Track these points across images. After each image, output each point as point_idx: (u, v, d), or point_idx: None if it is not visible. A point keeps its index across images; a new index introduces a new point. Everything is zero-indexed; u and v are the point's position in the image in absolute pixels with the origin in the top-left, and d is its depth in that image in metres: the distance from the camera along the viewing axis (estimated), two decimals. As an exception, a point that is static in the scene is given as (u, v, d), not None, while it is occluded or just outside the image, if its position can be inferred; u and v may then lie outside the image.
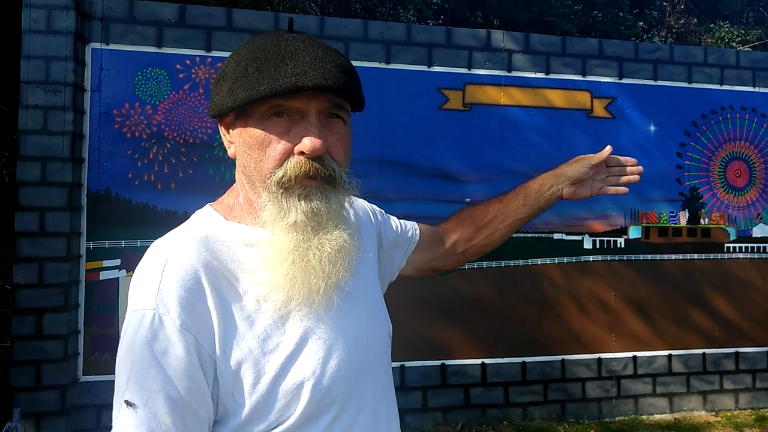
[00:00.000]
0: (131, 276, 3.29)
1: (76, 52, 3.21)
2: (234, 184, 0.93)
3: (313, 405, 0.80)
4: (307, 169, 0.81)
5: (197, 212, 0.92)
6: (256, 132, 0.83)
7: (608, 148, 1.32)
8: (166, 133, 3.39)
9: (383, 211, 1.18)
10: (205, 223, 0.88)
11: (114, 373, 0.79)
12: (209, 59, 3.44)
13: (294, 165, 0.81)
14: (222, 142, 0.93)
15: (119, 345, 0.78)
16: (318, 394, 0.80)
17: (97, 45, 3.32)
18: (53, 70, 3.16)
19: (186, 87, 3.42)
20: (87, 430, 3.21)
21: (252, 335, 0.79)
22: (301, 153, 0.82)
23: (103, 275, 3.29)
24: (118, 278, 3.30)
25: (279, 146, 0.82)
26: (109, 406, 3.23)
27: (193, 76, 3.43)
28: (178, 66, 3.41)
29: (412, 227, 1.20)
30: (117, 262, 3.30)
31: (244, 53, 0.85)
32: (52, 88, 3.16)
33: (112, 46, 3.34)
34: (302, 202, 0.81)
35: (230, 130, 0.89)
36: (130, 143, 3.34)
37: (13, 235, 3.16)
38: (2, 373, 4.02)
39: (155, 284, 0.78)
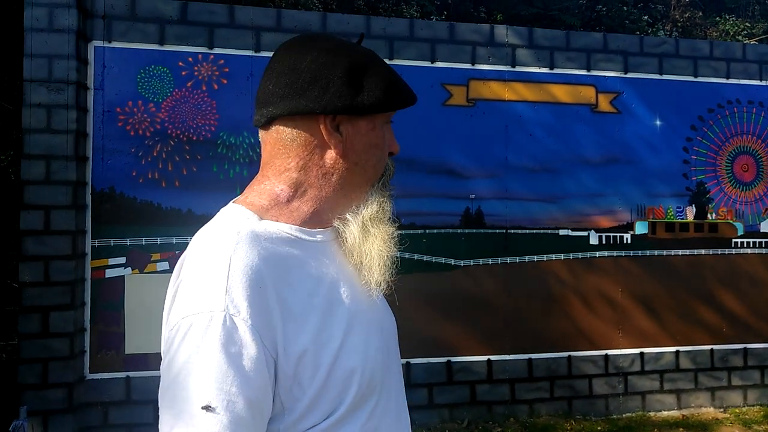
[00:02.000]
0: (137, 274, 3.30)
1: (78, 50, 3.20)
2: (261, 186, 0.90)
3: (360, 393, 0.83)
4: (394, 168, 0.99)
5: (226, 210, 0.89)
6: (380, 134, 0.93)
7: None
8: (169, 131, 3.38)
9: None
10: (245, 221, 0.85)
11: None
12: (211, 56, 3.43)
13: (391, 164, 0.97)
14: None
15: (174, 348, 0.76)
16: (364, 381, 0.83)
17: (99, 43, 3.31)
18: (56, 68, 3.16)
19: (189, 84, 3.41)
20: (94, 428, 3.22)
21: (308, 329, 0.80)
22: (391, 154, 0.97)
23: (109, 273, 3.29)
24: (123, 276, 3.30)
25: (385, 149, 0.95)
26: (116, 404, 3.23)
27: (196, 73, 3.42)
28: (180, 63, 3.40)
29: None
30: (122, 260, 3.30)
31: (359, 57, 0.90)
32: (55, 86, 3.16)
33: (115, 44, 3.33)
34: (390, 202, 0.95)
35: (340, 128, 0.89)
36: (134, 141, 3.34)
37: (18, 233, 3.16)
38: (9, 371, 4.04)
39: (222, 285, 0.76)
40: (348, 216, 0.90)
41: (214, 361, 0.73)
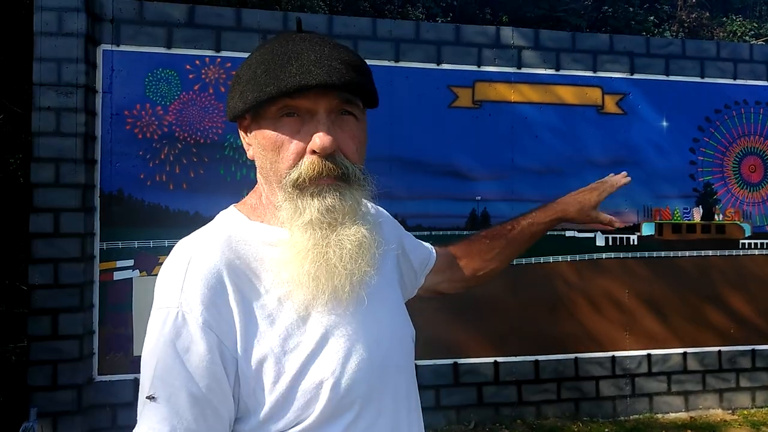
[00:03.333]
0: (144, 276, 3.32)
1: (87, 54, 3.23)
2: (256, 185, 0.94)
3: (332, 405, 0.79)
4: (321, 169, 0.82)
5: (221, 212, 0.93)
6: (269, 133, 0.84)
7: (625, 178, 1.38)
8: (177, 134, 3.40)
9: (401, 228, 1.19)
10: (229, 223, 0.89)
11: (139, 372, 0.80)
12: (219, 59, 3.45)
13: (307, 166, 0.82)
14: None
15: (144, 342, 0.80)
16: (337, 394, 0.80)
17: (107, 47, 3.34)
18: (65, 72, 3.19)
19: (196, 87, 3.43)
20: (103, 430, 3.24)
21: (273, 334, 0.80)
22: (313, 152, 0.82)
23: (117, 275, 3.31)
24: (131, 278, 3.32)
25: (292, 146, 0.83)
26: (125, 405, 3.26)
27: (203, 76, 3.44)
28: (188, 66, 3.42)
29: (429, 247, 1.22)
30: (130, 262, 3.32)
31: (255, 57, 0.87)
32: (64, 89, 3.18)
33: (123, 48, 3.36)
34: (315, 200, 0.82)
35: (248, 133, 0.91)
36: (142, 144, 3.36)
37: (28, 236, 3.19)
38: (19, 373, 4.07)
39: (179, 283, 0.79)
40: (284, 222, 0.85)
41: (162, 354, 0.76)
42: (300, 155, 0.83)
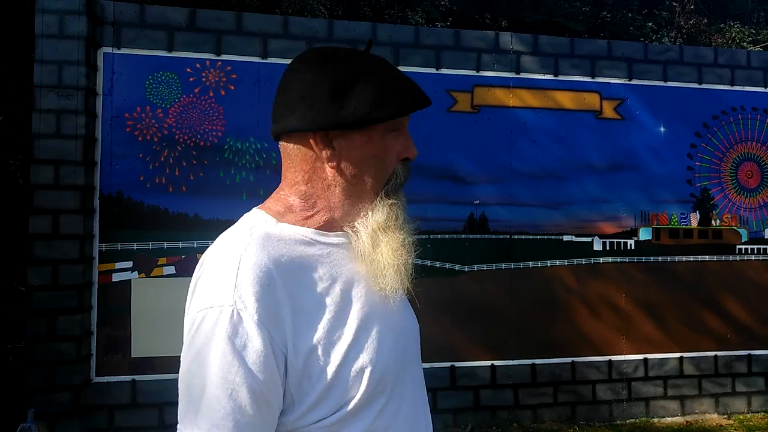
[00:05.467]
0: (143, 278, 3.33)
1: (88, 57, 3.25)
2: (278, 194, 0.95)
3: (368, 391, 0.85)
4: (409, 173, 0.97)
5: (247, 215, 0.95)
6: (378, 145, 0.92)
7: None
8: (177, 137, 3.42)
9: None
10: (261, 223, 0.91)
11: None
12: (219, 62, 3.47)
13: (403, 169, 0.96)
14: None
15: (190, 339, 0.81)
16: (374, 380, 0.86)
17: (108, 49, 3.36)
18: (66, 74, 3.20)
19: (196, 90, 3.44)
20: (100, 430, 3.24)
21: (318, 327, 0.84)
22: (406, 159, 0.96)
23: (116, 277, 3.32)
24: (130, 280, 3.33)
25: (394, 157, 0.94)
26: (123, 407, 3.25)
27: (204, 79, 3.45)
28: (188, 69, 3.44)
29: None
30: (129, 264, 3.33)
31: (347, 69, 0.89)
32: (64, 92, 3.20)
33: (124, 51, 3.37)
34: (400, 207, 0.95)
35: (333, 142, 0.90)
36: (142, 146, 3.38)
37: (27, 237, 3.20)
38: (17, 374, 4.07)
39: (231, 281, 0.81)
40: (357, 225, 0.92)
41: (220, 352, 0.78)
42: (396, 164, 0.95)
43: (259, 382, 0.78)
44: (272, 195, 0.96)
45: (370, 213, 0.92)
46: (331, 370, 0.83)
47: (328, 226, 0.92)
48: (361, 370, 0.85)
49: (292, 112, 0.89)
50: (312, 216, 0.92)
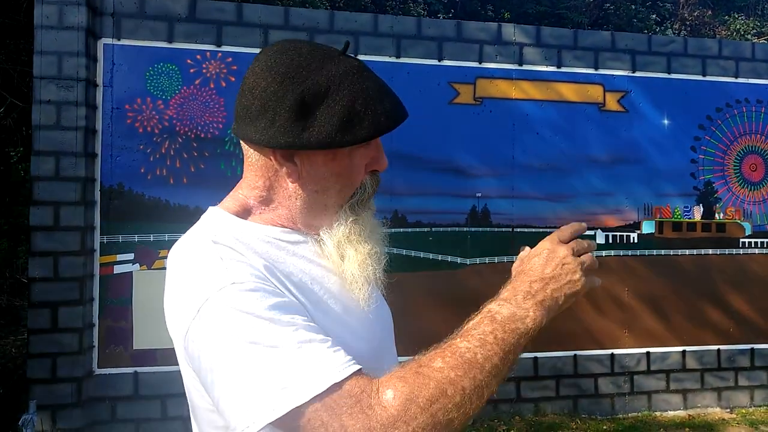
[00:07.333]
0: (145, 270, 3.33)
1: (87, 48, 3.23)
2: (236, 194, 0.92)
3: None
4: (378, 185, 0.93)
5: (207, 215, 0.92)
6: (346, 161, 0.87)
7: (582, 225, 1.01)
8: (177, 128, 3.40)
9: None
10: (225, 222, 0.88)
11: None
12: (219, 54, 3.45)
13: (371, 183, 0.91)
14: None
15: (209, 333, 0.76)
16: None
17: (108, 40, 3.33)
18: (65, 65, 3.18)
19: (197, 82, 3.42)
20: (102, 422, 3.24)
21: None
22: (374, 171, 0.91)
23: (117, 269, 3.31)
24: (131, 272, 3.32)
25: (361, 171, 0.89)
26: (124, 398, 3.25)
27: (204, 71, 3.43)
28: (189, 61, 3.42)
29: None
30: (130, 256, 3.33)
31: (315, 81, 0.82)
32: (64, 83, 3.18)
33: (124, 42, 3.35)
34: (371, 214, 0.93)
35: (294, 158, 0.86)
36: (143, 138, 3.36)
37: (28, 229, 3.19)
38: (19, 366, 4.08)
39: (219, 266, 0.79)
40: (322, 235, 0.90)
41: (250, 310, 0.75)
42: (363, 176, 0.90)
43: (290, 302, 0.79)
44: (231, 193, 0.93)
45: (334, 224, 0.89)
46: None
47: (291, 226, 0.90)
48: None
49: (252, 122, 0.84)
50: (272, 219, 0.89)
